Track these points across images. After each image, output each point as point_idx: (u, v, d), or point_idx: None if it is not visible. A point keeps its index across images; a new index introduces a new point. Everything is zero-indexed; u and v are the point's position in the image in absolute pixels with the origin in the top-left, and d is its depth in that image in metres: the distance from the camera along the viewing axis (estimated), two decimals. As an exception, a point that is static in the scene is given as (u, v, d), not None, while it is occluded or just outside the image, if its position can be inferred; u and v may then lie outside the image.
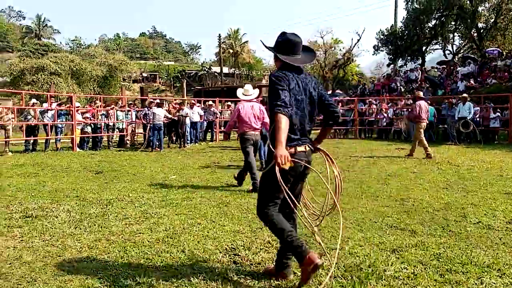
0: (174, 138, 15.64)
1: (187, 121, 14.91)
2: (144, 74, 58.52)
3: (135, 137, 16.10)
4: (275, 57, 3.07)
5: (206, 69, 54.95)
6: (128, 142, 15.12)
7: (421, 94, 11.48)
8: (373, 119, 18.09)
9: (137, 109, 16.09)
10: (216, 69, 53.79)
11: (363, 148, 12.20)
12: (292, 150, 2.98)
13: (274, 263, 3.29)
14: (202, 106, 17.67)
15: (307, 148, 3.08)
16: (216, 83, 51.23)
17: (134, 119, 15.39)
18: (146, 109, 14.39)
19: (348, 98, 22.26)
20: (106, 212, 5.15)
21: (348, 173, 8.25)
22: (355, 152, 12.09)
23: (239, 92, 7.47)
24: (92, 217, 4.93)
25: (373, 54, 34.06)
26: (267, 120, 7.03)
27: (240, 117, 7.04)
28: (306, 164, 3.06)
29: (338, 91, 26.79)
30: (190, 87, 51.60)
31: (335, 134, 18.81)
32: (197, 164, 9.85)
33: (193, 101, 16.46)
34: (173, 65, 63.82)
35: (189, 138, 15.13)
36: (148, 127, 13.68)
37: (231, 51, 55.85)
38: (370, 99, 19.40)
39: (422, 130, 10.63)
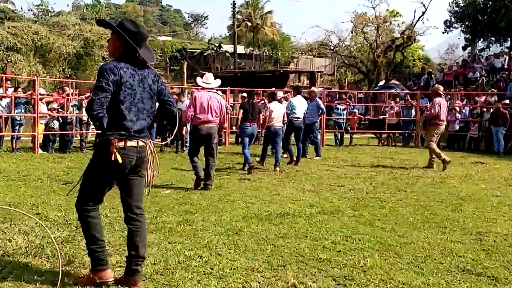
0: (169, 139, 15.77)
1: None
2: (131, 53, 59.41)
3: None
4: (116, 42, 3.86)
5: (215, 48, 55.32)
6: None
7: (441, 89, 11.93)
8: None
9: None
10: (228, 47, 54.20)
11: (426, 160, 12.13)
12: (121, 144, 3.76)
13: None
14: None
15: (140, 143, 3.88)
16: (227, 66, 51.62)
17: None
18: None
19: (407, 91, 22.13)
20: (75, 237, 5.20)
21: (405, 194, 8.21)
22: (415, 166, 12.01)
23: (199, 80, 8.93)
24: (58, 242, 4.98)
25: (443, 33, 33.61)
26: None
27: (195, 106, 8.48)
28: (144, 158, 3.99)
29: (393, 81, 26.58)
30: (192, 71, 51.86)
31: (388, 141, 18.73)
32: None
33: (196, 90, 16.55)
34: (170, 41, 64.57)
35: (189, 140, 15.20)
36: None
37: (248, 24, 56.18)
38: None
39: (435, 136, 11.48)
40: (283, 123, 12.05)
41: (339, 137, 18.32)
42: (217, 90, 9.42)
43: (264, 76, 32.82)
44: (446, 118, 12.35)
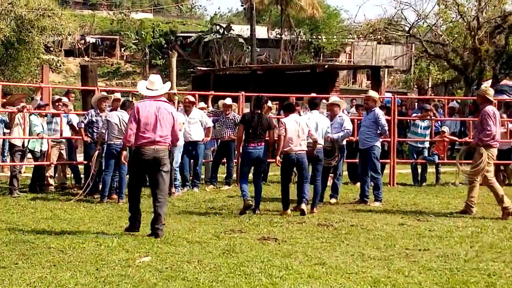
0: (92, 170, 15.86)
1: (179, 140, 15.04)
2: (90, 39, 60.11)
3: (67, 170, 16.33)
4: None
5: (221, 31, 55.60)
6: (51, 180, 15.45)
7: (490, 92, 12.30)
8: None
9: (72, 112, 16.36)
10: (242, 30, 54.43)
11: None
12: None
13: None
14: (210, 108, 17.79)
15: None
16: (241, 59, 51.82)
17: (66, 133, 15.75)
18: (92, 112, 14.69)
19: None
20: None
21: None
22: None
23: (141, 85, 9.97)
24: None
25: None
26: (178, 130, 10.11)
27: (138, 122, 9.43)
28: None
29: (505, 82, 26.41)
30: (186, 66, 51.97)
31: (504, 175, 18.37)
32: (196, 233, 10.02)
33: (190, 98, 16.62)
34: (151, 20, 65.24)
35: (178, 177, 15.36)
36: (96, 151, 13.99)
37: (273, -7, 56.43)
38: None
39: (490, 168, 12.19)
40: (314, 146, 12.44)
41: (419, 170, 18.16)
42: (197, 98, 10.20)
43: (299, 74, 32.99)
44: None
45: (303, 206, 12.02)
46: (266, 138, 12.53)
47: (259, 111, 12.24)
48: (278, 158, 12.13)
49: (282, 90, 19.40)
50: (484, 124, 11.92)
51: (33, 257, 8.03)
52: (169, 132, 9.55)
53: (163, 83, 9.87)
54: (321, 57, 51.52)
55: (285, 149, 11.91)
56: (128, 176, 10.29)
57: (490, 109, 12.03)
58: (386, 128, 14.26)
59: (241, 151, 12.39)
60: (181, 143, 15.14)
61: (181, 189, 15.25)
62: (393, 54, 45.47)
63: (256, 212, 12.06)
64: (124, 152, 10.26)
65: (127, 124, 9.94)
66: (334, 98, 15.44)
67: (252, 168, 12.57)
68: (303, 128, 12.06)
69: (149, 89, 9.67)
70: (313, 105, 13.25)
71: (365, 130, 13.59)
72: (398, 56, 45.42)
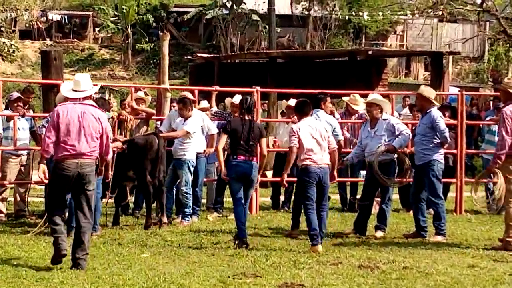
0: (129, 198, 16.10)
1: (178, 150, 15.32)
2: (54, 16, 60.04)
3: (27, 193, 16.34)
4: None
5: (228, 4, 55.57)
6: (2, 206, 15.57)
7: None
8: None
9: (30, 114, 16.55)
10: (255, 2, 54.42)
11: None
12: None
13: None
14: (214, 108, 17.84)
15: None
16: (254, 41, 51.79)
17: (23, 142, 15.86)
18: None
19: None
20: None
21: None
22: None
23: (65, 86, 10.59)
24: None
25: None
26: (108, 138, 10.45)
27: (58, 130, 9.86)
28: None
29: None
30: (181, 51, 51.74)
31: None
32: (195, 278, 9.97)
33: (187, 95, 16.64)
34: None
35: (190, 203, 15.54)
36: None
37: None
38: None
39: None
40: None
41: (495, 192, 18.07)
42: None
43: (333, 62, 32.96)
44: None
45: (320, 247, 12.14)
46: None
47: (249, 115, 12.50)
48: (285, 176, 12.61)
49: (311, 84, 19.31)
50: (500, 129, 12.24)
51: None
52: (97, 143, 9.96)
53: (82, 85, 10.17)
54: (363, 40, 51.58)
55: (304, 163, 12.14)
56: (45, 196, 10.69)
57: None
58: (447, 134, 13.99)
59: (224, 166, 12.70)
60: (191, 156, 15.23)
61: (169, 217, 15.38)
62: (460, 36, 45.37)
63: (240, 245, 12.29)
64: (43, 166, 10.49)
65: (45, 132, 10.54)
66: (373, 96, 15.12)
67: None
68: (322, 133, 12.36)
69: (73, 90, 10.12)
70: (317, 101, 13.41)
71: (420, 139, 13.59)
72: (467, 39, 45.23)
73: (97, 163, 10.12)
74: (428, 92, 14.28)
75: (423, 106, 13.92)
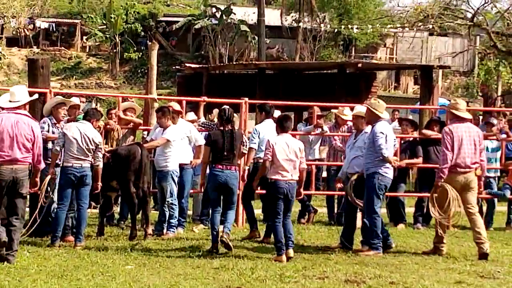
0: (113, 209, 16.14)
1: (160, 161, 15.31)
2: (42, 23, 60.12)
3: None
4: None
5: (217, 15, 55.78)
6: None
7: (460, 106, 13.29)
8: None
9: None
10: (247, 14, 54.58)
11: None
12: None
13: None
14: (202, 119, 17.83)
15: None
16: (243, 52, 51.89)
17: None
18: (48, 121, 14.71)
19: None
20: None
21: None
22: None
23: (3, 98, 11.35)
24: None
25: None
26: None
27: None
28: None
29: None
30: (169, 61, 51.78)
31: None
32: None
33: (175, 106, 16.63)
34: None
35: (176, 214, 15.51)
36: (48, 175, 13.93)
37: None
38: None
39: None
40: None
41: (483, 208, 18.04)
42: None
43: (322, 75, 33.05)
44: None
45: (291, 251, 12.65)
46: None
47: (229, 125, 12.97)
48: (255, 185, 13.46)
49: (299, 96, 19.41)
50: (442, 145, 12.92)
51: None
52: (30, 150, 10.75)
53: (17, 95, 11.01)
54: (353, 53, 51.70)
55: (273, 177, 12.51)
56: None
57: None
58: (384, 150, 13.69)
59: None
60: (174, 166, 15.21)
61: (175, 229, 15.45)
62: (450, 50, 45.54)
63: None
64: None
65: None
66: (359, 108, 15.48)
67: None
68: (296, 152, 12.72)
69: (10, 101, 10.93)
70: (265, 111, 14.04)
71: (366, 152, 13.75)
72: (458, 53, 45.36)
73: (30, 169, 10.95)
74: (377, 105, 14.37)
75: (370, 119, 14.09)
